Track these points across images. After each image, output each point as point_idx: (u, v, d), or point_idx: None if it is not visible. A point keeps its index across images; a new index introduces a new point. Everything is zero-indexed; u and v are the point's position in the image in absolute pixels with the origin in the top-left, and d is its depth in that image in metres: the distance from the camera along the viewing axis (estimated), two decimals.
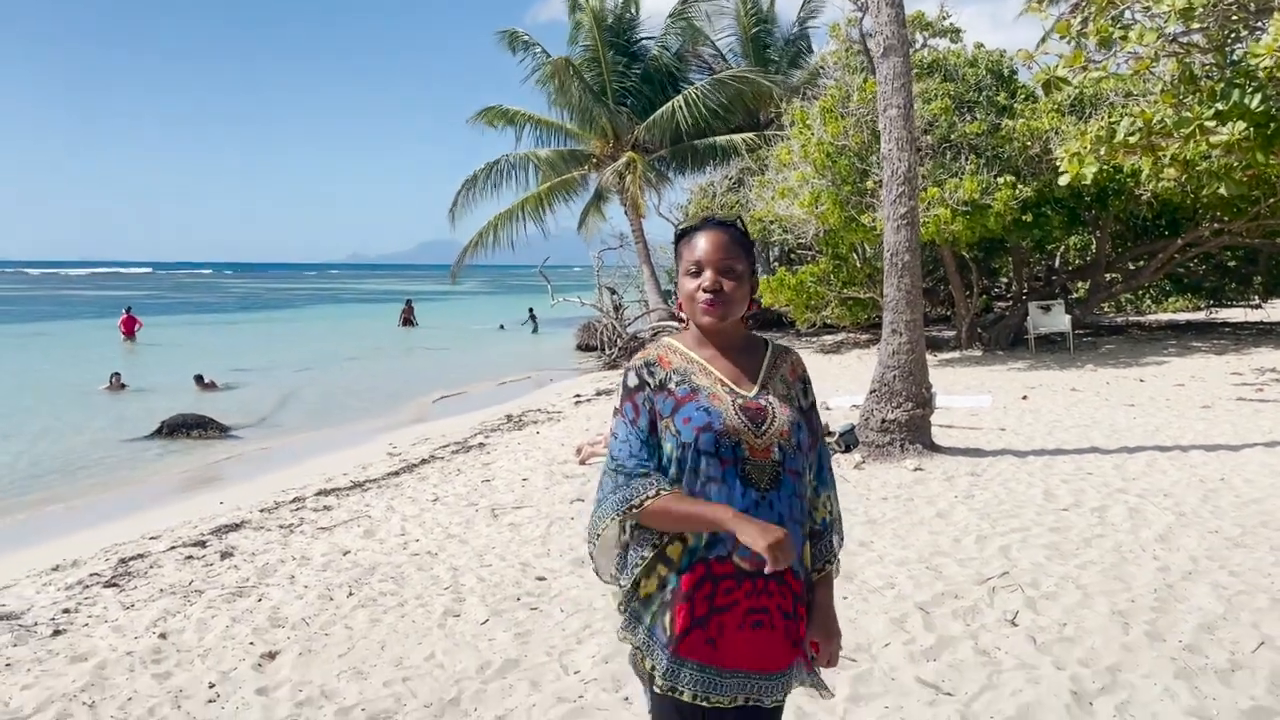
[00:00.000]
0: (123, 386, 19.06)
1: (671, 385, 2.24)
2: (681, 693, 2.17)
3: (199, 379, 19.34)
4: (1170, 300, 23.47)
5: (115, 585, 6.14)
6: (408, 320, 37.56)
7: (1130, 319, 22.77)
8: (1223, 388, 12.35)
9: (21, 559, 7.69)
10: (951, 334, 19.22)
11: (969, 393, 12.77)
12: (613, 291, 23.67)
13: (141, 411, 15.47)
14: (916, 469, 7.96)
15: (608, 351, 22.43)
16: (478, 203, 24.76)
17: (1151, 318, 23.19)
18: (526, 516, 7.24)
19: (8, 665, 4.68)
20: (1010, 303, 20.94)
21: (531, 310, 35.53)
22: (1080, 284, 21.08)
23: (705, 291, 2.24)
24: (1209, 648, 4.17)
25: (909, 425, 8.24)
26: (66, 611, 5.62)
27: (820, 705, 3.76)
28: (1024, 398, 12.13)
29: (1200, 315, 23.00)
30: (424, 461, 10.20)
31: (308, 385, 20.62)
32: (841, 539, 2.47)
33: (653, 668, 2.20)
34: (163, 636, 4.93)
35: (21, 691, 4.32)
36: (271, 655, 4.58)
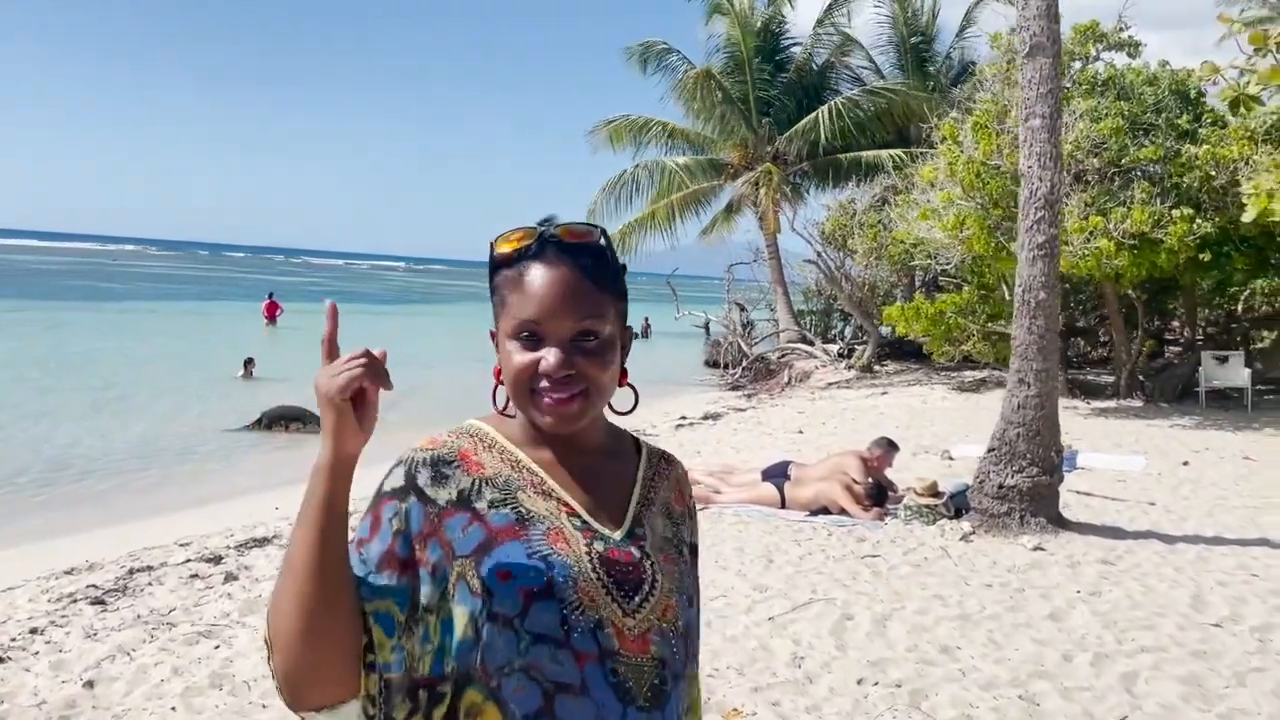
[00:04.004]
0: (250, 375, 19.16)
1: (480, 505, 1.29)
2: None
3: None
4: None
5: (102, 603, 5.60)
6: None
7: None
8: None
9: (58, 550, 7.41)
10: (1110, 380, 17.33)
11: (1120, 451, 11.19)
12: (742, 308, 22.59)
13: (258, 400, 15.28)
14: (1036, 548, 6.67)
15: (731, 371, 21.39)
16: (616, 210, 24.09)
17: None
18: None
19: None
20: (1182, 350, 18.85)
21: (646, 319, 35.23)
22: (1266, 334, 18.78)
23: (550, 379, 1.30)
24: None
25: (1031, 494, 6.95)
26: (34, 631, 5.08)
27: None
28: (1185, 464, 10.48)
29: None
30: None
31: (426, 383, 20.38)
32: None
33: None
34: (89, 685, 4.26)
35: None
36: None
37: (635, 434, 1.51)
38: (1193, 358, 16.46)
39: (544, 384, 1.29)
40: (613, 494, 1.39)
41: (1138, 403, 15.68)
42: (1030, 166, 6.89)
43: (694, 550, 1.47)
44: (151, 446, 12.45)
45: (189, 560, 6.57)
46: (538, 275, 1.31)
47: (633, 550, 1.33)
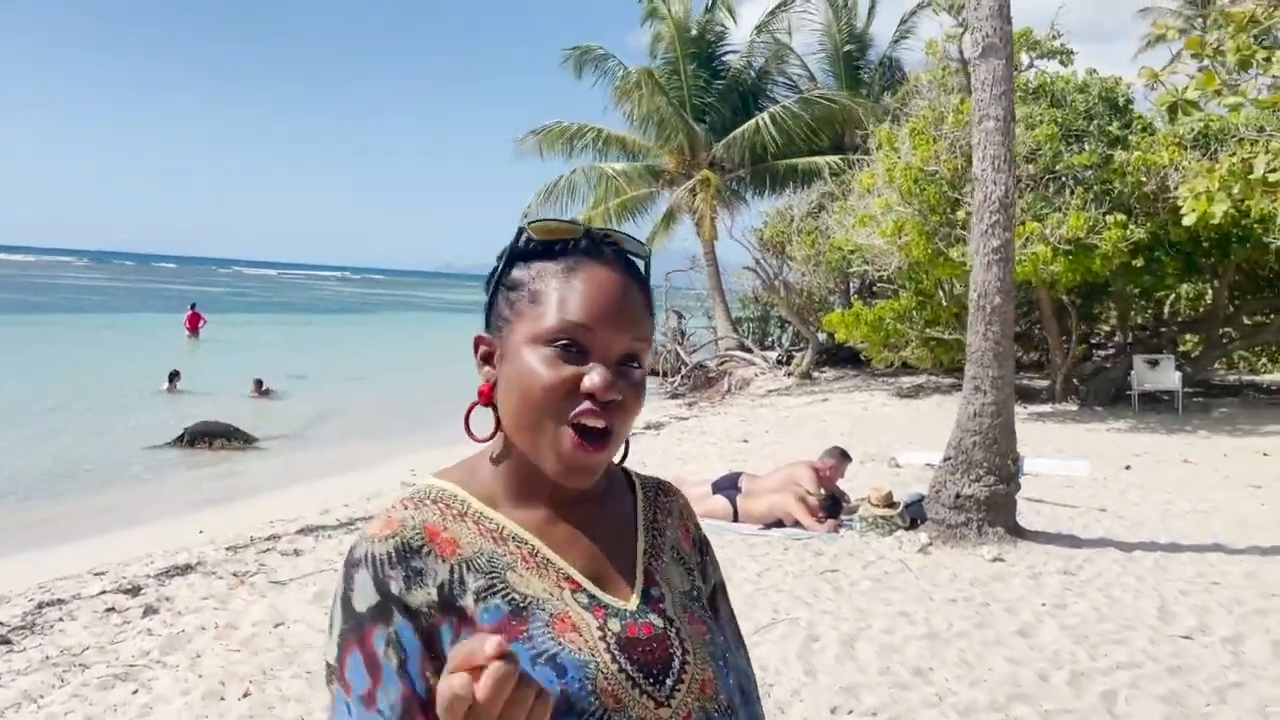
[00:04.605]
0: (175, 388, 18.36)
1: (466, 601, 1.01)
2: None
3: (258, 383, 18.55)
4: None
5: (6, 643, 5.13)
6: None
7: (1245, 379, 20.62)
8: None
9: None
10: (1044, 384, 17.49)
11: (1062, 456, 11.21)
12: (679, 315, 22.41)
13: (183, 415, 14.60)
14: (995, 559, 6.53)
15: (670, 379, 21.18)
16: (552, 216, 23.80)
17: (1269, 378, 20.98)
18: None
19: None
20: (1113, 354, 19.14)
21: None
22: (1190, 337, 19.15)
23: (595, 401, 1.02)
24: None
25: (989, 504, 6.81)
26: None
27: None
28: (1127, 468, 10.52)
29: None
30: None
31: (355, 396, 19.79)
32: None
33: None
34: None
35: None
36: None
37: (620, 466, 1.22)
38: (1125, 361, 16.68)
39: (584, 406, 1.01)
40: (616, 548, 1.11)
41: (1072, 407, 15.85)
42: (984, 170, 6.75)
43: (721, 590, 1.21)
44: (67, 464, 11.78)
45: (105, 591, 6.09)
46: (595, 274, 1.05)
47: (653, 620, 1.06)
